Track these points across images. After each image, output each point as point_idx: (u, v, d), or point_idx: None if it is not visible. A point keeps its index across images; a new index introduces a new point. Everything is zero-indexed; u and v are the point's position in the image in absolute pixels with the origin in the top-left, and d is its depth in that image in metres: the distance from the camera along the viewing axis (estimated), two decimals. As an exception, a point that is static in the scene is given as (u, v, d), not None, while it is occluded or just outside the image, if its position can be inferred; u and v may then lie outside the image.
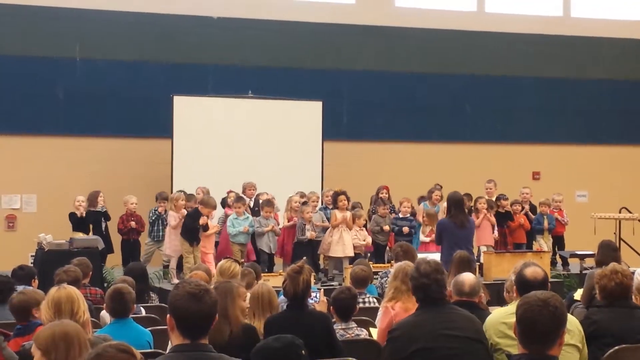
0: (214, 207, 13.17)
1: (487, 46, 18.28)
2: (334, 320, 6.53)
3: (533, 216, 15.05)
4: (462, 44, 18.09)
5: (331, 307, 6.70)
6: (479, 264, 12.10)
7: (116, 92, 16.18)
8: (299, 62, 17.20)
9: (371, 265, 10.08)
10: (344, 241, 13.14)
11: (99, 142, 16.20)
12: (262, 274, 10.13)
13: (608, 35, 18.85)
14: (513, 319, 3.90)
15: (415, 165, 17.39)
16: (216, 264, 9.68)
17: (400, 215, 14.04)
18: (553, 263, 14.54)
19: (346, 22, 17.43)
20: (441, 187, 14.79)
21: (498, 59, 18.45)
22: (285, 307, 6.38)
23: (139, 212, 13.82)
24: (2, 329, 6.07)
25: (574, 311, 7.13)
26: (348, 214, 13.39)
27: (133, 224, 13.50)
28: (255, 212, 13.64)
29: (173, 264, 13.27)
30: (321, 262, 13.86)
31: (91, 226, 13.27)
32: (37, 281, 8.72)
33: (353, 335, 6.53)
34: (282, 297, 6.90)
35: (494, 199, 14.62)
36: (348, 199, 13.63)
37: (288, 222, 13.66)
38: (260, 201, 13.71)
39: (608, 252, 8.46)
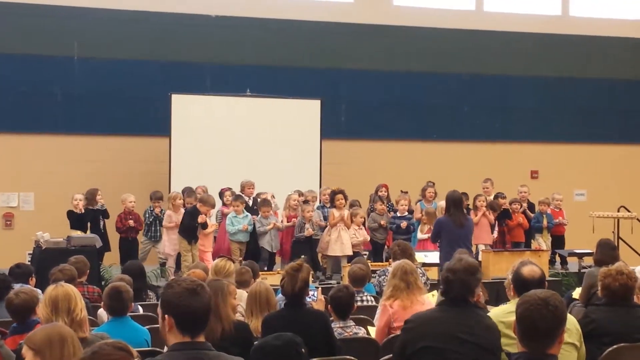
0: (213, 206, 13.17)
1: (486, 45, 18.27)
2: (331, 318, 6.52)
3: (531, 215, 15.06)
4: (461, 42, 18.08)
5: (329, 306, 6.68)
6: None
7: (114, 90, 16.17)
8: (297, 61, 17.19)
9: (369, 264, 10.07)
10: (342, 240, 13.13)
11: (97, 140, 16.18)
12: (261, 273, 10.14)
13: (606, 34, 18.85)
14: (511, 318, 3.89)
15: (414, 164, 17.38)
16: (214, 262, 9.67)
17: (398, 214, 14.05)
18: (551, 262, 14.55)
19: (344, 20, 17.42)
20: (433, 183, 14.83)
21: (496, 57, 18.45)
22: (283, 305, 6.37)
23: (137, 210, 13.80)
24: (0, 327, 6.06)
25: (572, 310, 7.13)
26: (346, 212, 13.39)
27: (131, 222, 13.47)
28: (254, 211, 13.63)
29: (171, 263, 13.28)
30: (319, 260, 13.84)
31: (89, 224, 13.25)
32: (34, 279, 8.70)
33: (351, 333, 6.52)
34: (280, 295, 6.90)
35: (491, 197, 14.62)
36: (345, 198, 13.62)
37: (287, 221, 13.65)
38: (259, 200, 13.72)
39: (607, 250, 8.45)
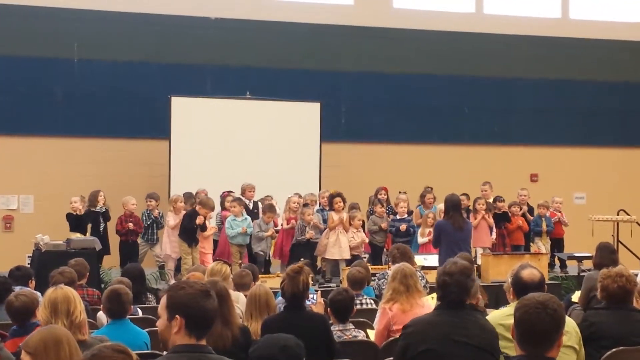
0: (212, 208, 13.15)
1: (486, 48, 18.28)
2: (331, 321, 6.52)
3: (531, 218, 15.06)
4: (461, 45, 18.09)
5: (328, 309, 6.69)
6: (476, 265, 12.11)
7: (114, 92, 16.17)
8: (297, 63, 17.19)
9: (369, 267, 10.07)
10: (341, 243, 13.13)
11: (97, 142, 16.18)
12: (260, 276, 10.14)
13: (606, 37, 18.86)
14: (511, 321, 3.89)
15: (414, 166, 17.39)
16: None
17: (398, 217, 14.04)
18: (551, 265, 14.55)
19: (344, 23, 17.43)
20: (431, 188, 14.83)
21: (496, 60, 18.45)
22: (282, 308, 6.37)
23: (136, 213, 13.78)
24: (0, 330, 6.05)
25: (571, 313, 7.13)
26: (345, 215, 13.38)
27: (131, 225, 13.45)
28: (254, 214, 13.62)
29: (171, 265, 13.27)
30: (318, 263, 13.84)
31: (89, 227, 13.24)
32: (34, 282, 8.69)
33: (350, 336, 6.53)
34: (279, 298, 6.91)
35: (490, 201, 14.63)
36: (344, 201, 13.61)
37: (287, 223, 13.65)
38: (261, 205, 13.71)
39: (606, 254, 8.45)
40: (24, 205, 15.93)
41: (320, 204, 14.35)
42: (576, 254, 13.95)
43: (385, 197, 14.78)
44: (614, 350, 5.54)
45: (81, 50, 16.12)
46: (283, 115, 16.10)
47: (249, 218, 13.25)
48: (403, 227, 13.79)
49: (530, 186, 16.66)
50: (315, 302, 7.14)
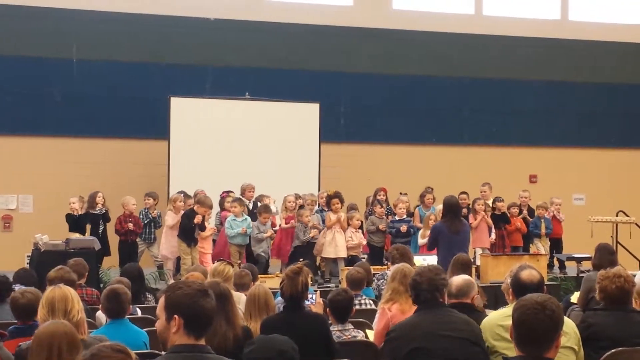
0: (210, 207, 13.11)
1: (485, 49, 18.28)
2: (330, 322, 6.52)
3: (530, 220, 15.05)
4: (460, 46, 18.09)
5: (327, 309, 6.69)
6: (475, 266, 12.11)
7: (113, 93, 16.17)
8: (296, 64, 17.19)
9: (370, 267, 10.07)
10: (336, 242, 13.14)
11: (96, 143, 16.18)
12: (259, 276, 10.14)
13: (605, 38, 18.86)
14: (509, 322, 3.89)
15: (413, 168, 17.39)
16: (213, 266, 9.66)
17: (397, 218, 14.04)
18: (550, 266, 14.55)
19: (344, 24, 17.43)
20: (432, 189, 14.83)
21: (496, 62, 18.46)
22: (282, 308, 6.37)
23: (136, 213, 13.78)
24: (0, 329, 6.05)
25: (570, 314, 7.14)
26: (342, 214, 13.39)
27: (130, 225, 13.44)
28: (253, 214, 13.61)
29: (170, 265, 13.26)
30: (318, 263, 13.84)
31: (88, 228, 13.23)
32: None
33: (350, 337, 6.53)
34: (279, 298, 6.90)
35: (489, 202, 14.64)
36: (341, 201, 13.60)
37: (285, 223, 13.64)
38: (259, 204, 13.71)
39: (605, 255, 8.47)
40: (23, 205, 15.93)
41: (319, 204, 14.35)
42: (575, 255, 13.95)
43: (384, 198, 14.77)
44: (612, 351, 5.54)
45: (80, 50, 16.12)
46: (282, 116, 16.10)
47: (248, 218, 13.24)
48: (404, 228, 13.77)
49: (529, 187, 16.67)
50: (314, 302, 7.14)
